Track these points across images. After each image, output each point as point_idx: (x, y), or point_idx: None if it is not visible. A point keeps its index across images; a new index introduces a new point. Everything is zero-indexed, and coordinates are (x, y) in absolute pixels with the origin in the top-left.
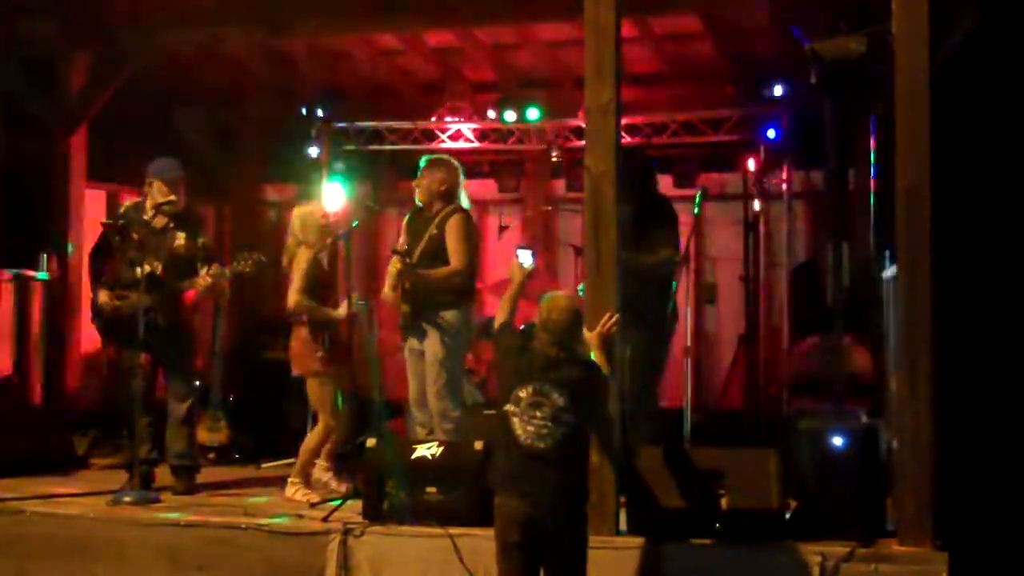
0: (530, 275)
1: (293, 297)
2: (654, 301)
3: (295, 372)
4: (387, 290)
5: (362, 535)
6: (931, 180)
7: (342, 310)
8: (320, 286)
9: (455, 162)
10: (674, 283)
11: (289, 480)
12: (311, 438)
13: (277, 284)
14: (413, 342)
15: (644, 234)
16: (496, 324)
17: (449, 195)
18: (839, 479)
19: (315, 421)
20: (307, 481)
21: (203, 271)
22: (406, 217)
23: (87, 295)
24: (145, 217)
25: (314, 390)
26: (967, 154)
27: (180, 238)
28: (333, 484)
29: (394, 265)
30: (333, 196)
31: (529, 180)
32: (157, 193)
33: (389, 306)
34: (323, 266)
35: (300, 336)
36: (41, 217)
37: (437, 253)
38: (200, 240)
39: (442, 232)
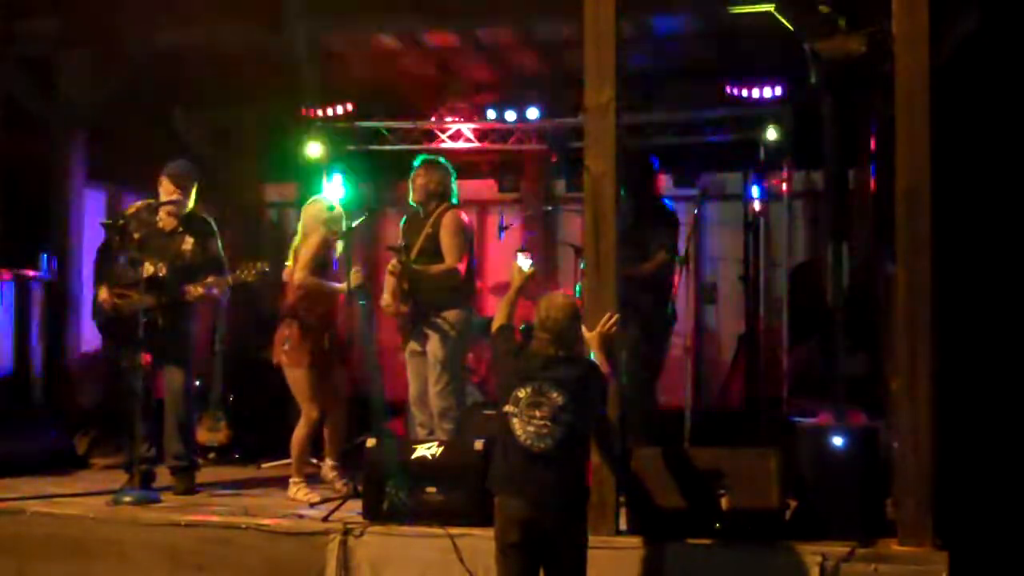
0: (530, 278)
1: (299, 274)
2: (652, 301)
3: (273, 361)
4: (387, 296)
5: (362, 535)
6: (931, 180)
7: (351, 280)
8: (328, 268)
9: (446, 162)
10: (672, 284)
11: (291, 480)
12: (298, 431)
13: (277, 284)
14: (414, 344)
15: (641, 238)
16: (494, 326)
17: (443, 194)
18: (839, 479)
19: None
20: (306, 478)
21: (208, 279)
22: (403, 219)
23: (89, 294)
24: (155, 219)
25: (289, 379)
26: (967, 154)
27: (188, 243)
28: (338, 484)
29: (392, 265)
30: (334, 194)
31: (529, 180)
32: (163, 192)
33: (389, 312)
34: (332, 253)
35: (279, 328)
36: (41, 217)
37: (434, 251)
38: (209, 248)
39: (437, 230)
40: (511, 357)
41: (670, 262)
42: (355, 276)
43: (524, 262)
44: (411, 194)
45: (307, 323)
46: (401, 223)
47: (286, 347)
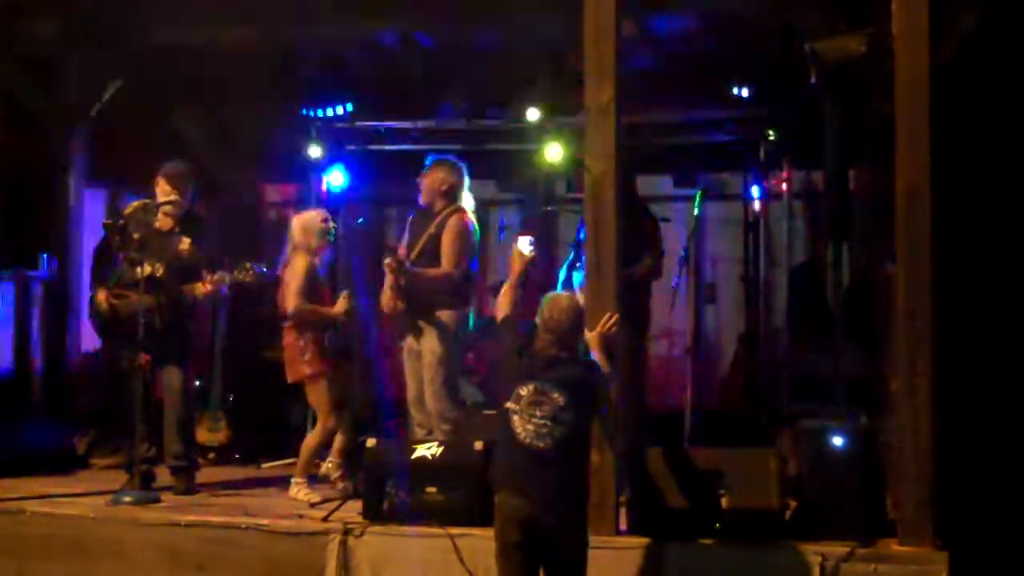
0: (531, 262)
1: (292, 300)
2: (635, 303)
3: (289, 379)
4: (386, 291)
5: (362, 535)
6: (931, 180)
7: (340, 306)
8: (317, 290)
9: (459, 163)
10: (650, 285)
11: (293, 480)
12: (311, 438)
13: (277, 284)
14: (411, 342)
15: (627, 240)
16: (499, 317)
17: (451, 195)
18: (839, 479)
19: (316, 421)
20: (310, 481)
21: (207, 278)
22: (410, 216)
23: (88, 294)
24: (151, 218)
25: (311, 393)
26: (967, 154)
27: (185, 242)
28: (340, 484)
29: (388, 262)
30: (333, 196)
31: (529, 180)
32: (160, 192)
33: (387, 309)
34: (317, 270)
35: (288, 342)
36: (41, 217)
37: (435, 252)
38: (206, 247)
39: (441, 232)
40: (514, 355)
41: (656, 269)
42: (343, 300)
43: (525, 246)
44: (420, 192)
45: (314, 332)
46: (409, 220)
47: (307, 357)
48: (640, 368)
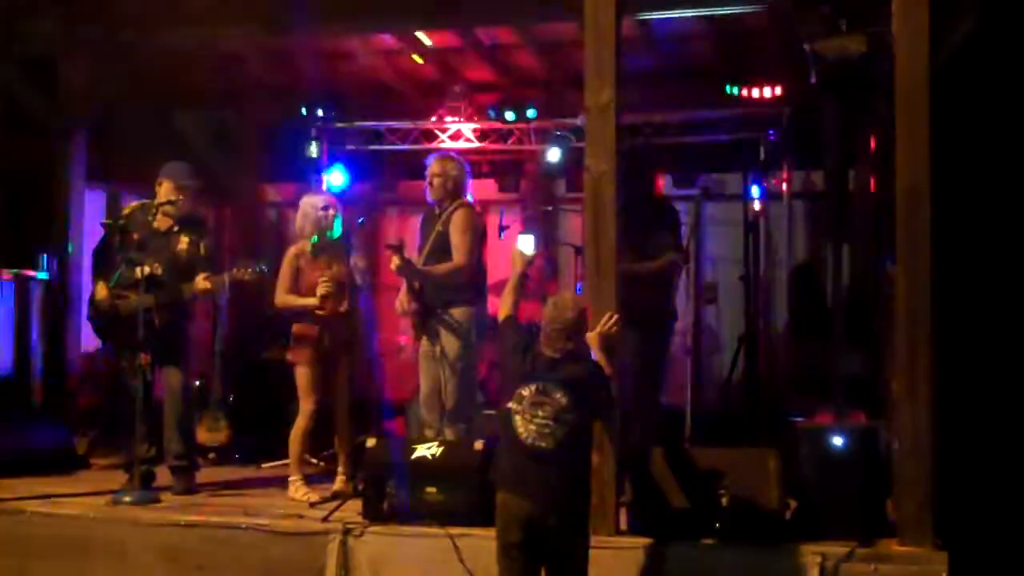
0: (531, 262)
1: (278, 297)
2: (655, 301)
3: (287, 358)
4: (402, 295)
5: (362, 535)
6: (931, 180)
7: (317, 294)
8: (305, 277)
9: (461, 158)
10: (675, 283)
11: (290, 479)
12: (294, 429)
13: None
14: (426, 344)
15: (648, 236)
16: (500, 317)
17: (456, 191)
18: (839, 479)
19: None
20: (305, 477)
21: (201, 276)
22: (421, 218)
23: (88, 294)
24: (150, 218)
25: (296, 376)
26: (967, 154)
27: (183, 241)
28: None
29: (394, 265)
30: (333, 193)
31: (529, 180)
32: (162, 193)
33: (399, 312)
34: (310, 261)
35: (294, 327)
36: (41, 217)
37: (444, 249)
38: (203, 245)
39: (448, 228)
40: (517, 354)
41: (677, 263)
42: (321, 287)
43: (527, 245)
44: (428, 190)
45: (307, 321)
46: (421, 220)
47: (296, 344)
48: (655, 367)
